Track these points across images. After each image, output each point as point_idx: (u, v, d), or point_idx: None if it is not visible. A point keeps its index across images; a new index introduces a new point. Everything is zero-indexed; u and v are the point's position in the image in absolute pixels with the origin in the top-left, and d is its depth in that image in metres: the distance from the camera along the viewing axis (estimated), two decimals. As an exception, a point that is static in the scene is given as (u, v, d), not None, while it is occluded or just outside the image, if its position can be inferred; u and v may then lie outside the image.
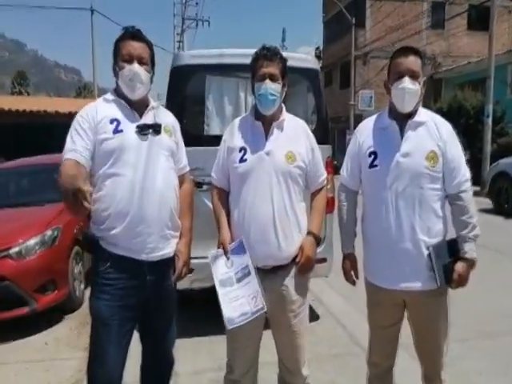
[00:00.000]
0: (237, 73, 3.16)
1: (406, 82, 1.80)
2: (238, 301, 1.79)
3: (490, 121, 12.10)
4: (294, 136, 1.94)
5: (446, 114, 14.99)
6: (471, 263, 1.86)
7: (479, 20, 19.96)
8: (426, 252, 1.82)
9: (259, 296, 1.79)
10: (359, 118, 20.82)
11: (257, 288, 1.81)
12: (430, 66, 22.04)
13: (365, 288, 2.05)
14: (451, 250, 1.87)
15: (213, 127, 3.30)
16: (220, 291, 1.79)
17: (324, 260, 3.49)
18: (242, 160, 1.86)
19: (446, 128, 1.88)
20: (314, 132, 3.44)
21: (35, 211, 4.22)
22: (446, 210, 1.91)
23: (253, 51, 2.87)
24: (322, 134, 3.49)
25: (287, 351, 1.95)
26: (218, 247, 1.91)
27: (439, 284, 1.82)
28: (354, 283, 2.06)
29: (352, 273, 2.04)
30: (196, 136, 3.18)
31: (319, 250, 3.49)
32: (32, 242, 3.73)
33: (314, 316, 3.84)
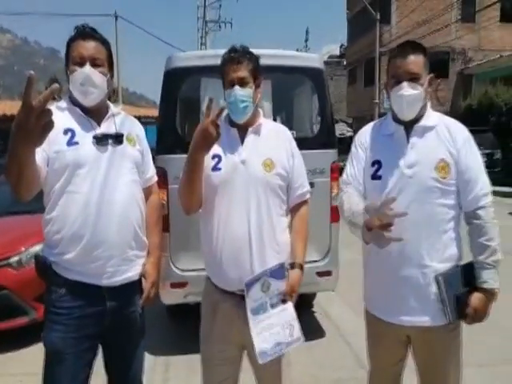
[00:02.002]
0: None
1: (405, 89, 1.56)
2: (272, 329, 1.59)
3: (523, 117, 11.44)
4: (274, 141, 1.74)
5: (476, 111, 14.42)
6: (490, 294, 1.58)
7: (513, 11, 19.06)
8: (434, 280, 1.56)
9: (296, 325, 1.61)
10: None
11: (294, 316, 1.62)
12: (460, 61, 21.17)
13: (364, 319, 1.80)
14: (467, 278, 1.60)
15: (208, 133, 3.14)
16: (251, 321, 1.59)
17: (329, 273, 3.28)
18: (215, 168, 1.67)
19: (460, 132, 1.62)
20: (319, 135, 3.31)
21: (37, 219, 4.18)
22: (461, 230, 1.65)
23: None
24: (327, 137, 3.29)
25: None
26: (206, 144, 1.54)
27: (450, 319, 1.55)
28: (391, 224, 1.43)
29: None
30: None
31: (323, 262, 3.32)
32: (34, 250, 3.68)
33: (319, 333, 3.60)
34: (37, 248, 3.69)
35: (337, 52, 37.32)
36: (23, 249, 3.63)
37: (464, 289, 1.58)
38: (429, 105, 1.67)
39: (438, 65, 21.10)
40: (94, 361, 1.66)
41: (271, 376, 1.71)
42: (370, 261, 1.72)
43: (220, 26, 25.92)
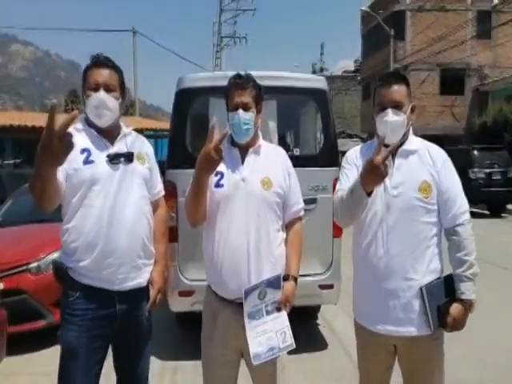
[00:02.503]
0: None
1: (389, 115, 1.71)
2: (266, 335, 1.73)
3: (537, 135, 11.35)
4: (271, 162, 1.89)
5: (490, 129, 14.31)
6: (468, 305, 1.70)
7: (530, 28, 18.96)
8: (418, 293, 1.68)
9: (288, 332, 1.75)
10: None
11: (287, 324, 1.76)
12: (476, 77, 21.13)
13: (354, 330, 1.92)
14: (448, 289, 1.72)
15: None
16: (248, 325, 1.73)
17: (331, 286, 3.39)
18: (217, 185, 1.82)
19: (439, 155, 1.77)
20: (322, 154, 3.47)
21: (56, 227, 4.41)
22: (442, 245, 1.78)
23: (256, 73, 2.88)
24: (330, 155, 3.43)
25: None
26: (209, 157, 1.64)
27: (432, 328, 1.68)
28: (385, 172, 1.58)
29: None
30: (199, 158, 3.21)
31: (325, 275, 3.43)
32: (52, 257, 3.88)
33: (322, 345, 3.71)
34: (55, 255, 3.90)
35: (352, 67, 37.59)
36: (42, 256, 3.85)
37: (446, 299, 1.70)
38: (411, 130, 1.81)
39: (454, 81, 21.11)
40: (105, 359, 1.82)
41: (267, 379, 1.84)
42: (359, 274, 1.84)
43: (235, 42, 26.37)
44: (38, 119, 15.36)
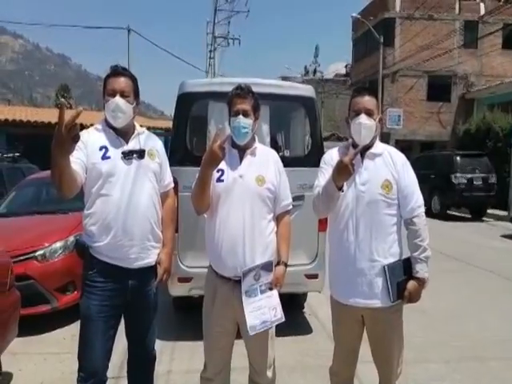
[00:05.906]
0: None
1: (363, 118, 2.03)
2: (260, 310, 2.04)
3: (517, 143, 11.83)
4: (265, 162, 2.19)
5: (473, 136, 14.78)
6: (422, 282, 2.04)
7: (515, 39, 19.64)
8: (381, 271, 2.01)
9: (279, 308, 2.07)
10: (387, 137, 20.78)
11: (277, 301, 2.08)
12: (462, 85, 21.74)
13: (330, 305, 2.24)
14: (407, 269, 2.06)
15: (214, 149, 3.64)
16: (245, 302, 2.02)
17: (316, 276, 3.71)
18: (219, 180, 2.12)
19: (399, 158, 2.10)
20: (309, 155, 3.80)
21: (60, 218, 4.68)
22: (402, 232, 2.11)
23: (251, 80, 3.21)
24: (317, 156, 3.72)
25: (255, 355, 2.19)
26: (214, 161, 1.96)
27: (392, 300, 2.01)
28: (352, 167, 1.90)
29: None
30: (199, 157, 3.50)
31: (311, 266, 3.76)
32: (56, 246, 4.16)
33: (307, 330, 4.05)
34: (57, 245, 4.18)
35: (343, 71, 38.05)
36: (47, 244, 4.11)
37: (404, 277, 2.04)
38: (378, 138, 2.15)
39: (441, 88, 21.63)
40: (118, 325, 2.12)
41: (259, 345, 2.15)
42: (334, 256, 2.17)
43: (228, 43, 26.63)
44: (29, 114, 15.41)
